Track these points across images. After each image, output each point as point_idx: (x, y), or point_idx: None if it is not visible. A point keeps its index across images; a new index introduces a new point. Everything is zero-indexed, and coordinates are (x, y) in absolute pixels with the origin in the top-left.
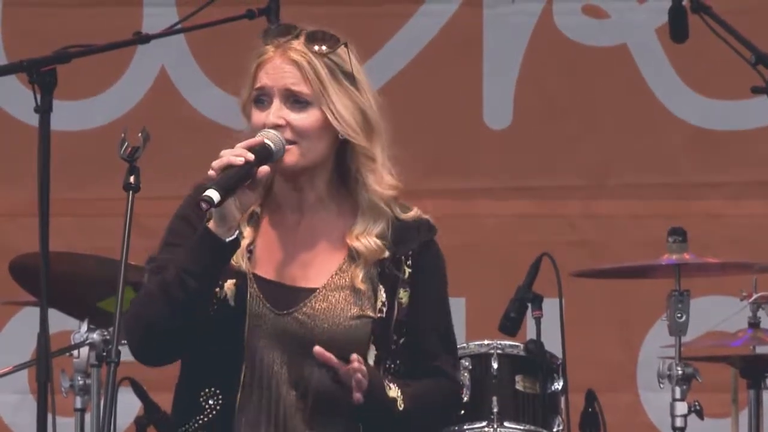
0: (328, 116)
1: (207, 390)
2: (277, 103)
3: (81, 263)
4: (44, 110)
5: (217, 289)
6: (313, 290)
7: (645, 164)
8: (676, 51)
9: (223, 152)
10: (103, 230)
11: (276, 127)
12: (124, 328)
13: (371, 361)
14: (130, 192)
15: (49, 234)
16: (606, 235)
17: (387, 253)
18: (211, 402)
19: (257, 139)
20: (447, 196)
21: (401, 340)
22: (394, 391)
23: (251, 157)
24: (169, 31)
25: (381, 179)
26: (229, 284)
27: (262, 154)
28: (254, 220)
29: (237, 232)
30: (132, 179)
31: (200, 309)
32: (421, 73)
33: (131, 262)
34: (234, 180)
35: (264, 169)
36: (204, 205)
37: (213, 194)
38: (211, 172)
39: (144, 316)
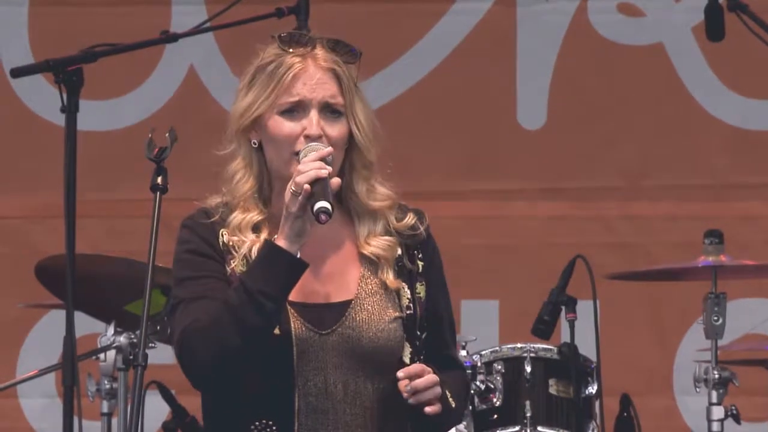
0: (353, 126)
1: (258, 423)
2: (315, 114)
3: (108, 265)
4: (70, 110)
5: None
6: (347, 303)
7: (681, 165)
8: (713, 50)
9: (303, 167)
10: (130, 232)
11: (318, 138)
12: (185, 355)
13: (407, 359)
14: (158, 193)
15: (75, 236)
16: (641, 236)
17: (400, 250)
18: None
19: (327, 150)
20: (480, 197)
21: (423, 335)
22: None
23: (330, 169)
24: (197, 30)
25: (373, 189)
26: None
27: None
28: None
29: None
30: (159, 180)
31: (271, 333)
32: (453, 73)
33: (159, 265)
34: (328, 191)
35: (337, 180)
36: (324, 218)
37: (327, 205)
38: (306, 187)
39: (215, 343)
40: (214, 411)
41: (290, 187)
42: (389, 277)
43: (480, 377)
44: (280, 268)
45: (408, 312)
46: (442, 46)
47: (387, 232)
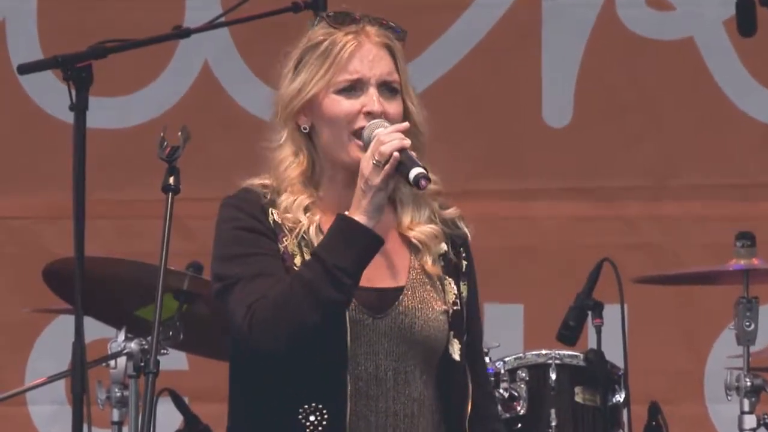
0: (408, 104)
1: (307, 406)
2: (374, 91)
3: (118, 268)
4: (79, 108)
5: None
6: (399, 289)
7: (711, 164)
8: (744, 45)
9: (385, 137)
10: (142, 233)
11: (380, 115)
12: (257, 331)
13: (457, 356)
14: (170, 194)
15: (84, 237)
16: (670, 238)
17: (446, 246)
18: (312, 418)
19: (404, 124)
20: (504, 196)
21: (466, 336)
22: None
23: (409, 142)
24: (210, 25)
25: None
26: None
27: None
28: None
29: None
30: (171, 180)
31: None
32: (477, 68)
33: (171, 268)
34: (416, 159)
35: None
36: (424, 183)
37: (424, 170)
38: (396, 155)
39: (291, 319)
40: (260, 395)
41: (371, 159)
42: (428, 262)
43: (503, 385)
44: (358, 243)
45: (455, 308)
46: (465, 41)
47: (431, 220)
